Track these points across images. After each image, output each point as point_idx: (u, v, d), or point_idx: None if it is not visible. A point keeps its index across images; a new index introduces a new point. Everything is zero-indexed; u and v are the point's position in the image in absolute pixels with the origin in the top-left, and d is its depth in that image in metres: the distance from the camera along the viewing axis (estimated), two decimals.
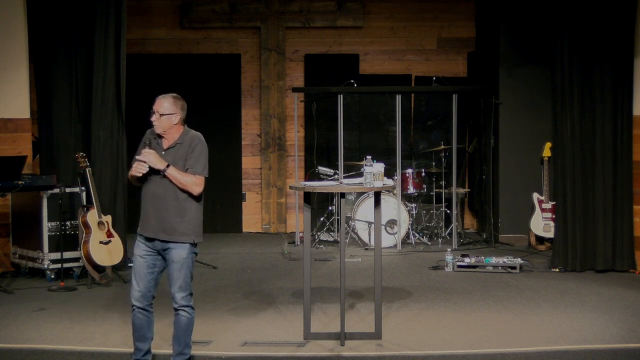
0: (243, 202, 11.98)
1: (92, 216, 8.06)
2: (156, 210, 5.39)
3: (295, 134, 11.23)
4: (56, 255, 8.21)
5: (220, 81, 11.89)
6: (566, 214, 8.73)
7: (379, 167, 6.16)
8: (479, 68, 11.54)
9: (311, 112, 11.28)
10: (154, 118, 5.46)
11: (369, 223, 10.20)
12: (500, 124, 10.75)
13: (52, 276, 8.26)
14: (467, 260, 8.88)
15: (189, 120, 12.37)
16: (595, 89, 8.67)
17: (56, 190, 8.22)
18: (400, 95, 10.54)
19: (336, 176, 10.31)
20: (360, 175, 6.31)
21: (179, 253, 5.38)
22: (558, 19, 8.73)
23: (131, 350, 5.60)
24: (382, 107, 11.79)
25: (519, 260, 8.80)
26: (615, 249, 8.69)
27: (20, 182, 8.02)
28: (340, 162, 10.52)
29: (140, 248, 5.44)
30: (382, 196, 8.54)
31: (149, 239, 5.41)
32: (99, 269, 8.09)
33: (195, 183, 5.40)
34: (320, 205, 11.18)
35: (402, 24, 11.92)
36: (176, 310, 5.42)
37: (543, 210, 10.22)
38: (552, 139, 9.18)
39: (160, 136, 5.47)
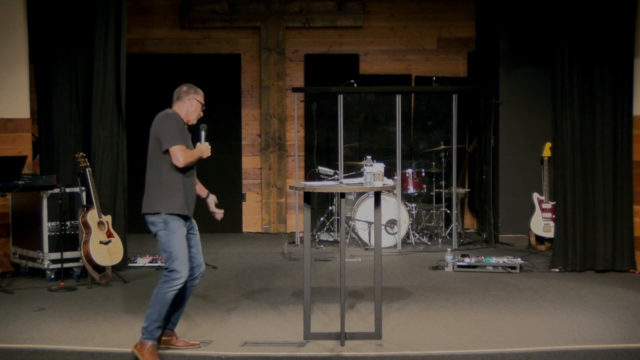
0: (243, 202, 11.99)
1: (92, 216, 8.07)
2: (194, 191, 5.88)
3: (295, 134, 11.23)
4: (56, 255, 8.21)
5: (220, 81, 11.90)
6: (566, 214, 8.73)
7: (379, 167, 6.16)
8: (479, 68, 11.55)
9: (311, 112, 11.28)
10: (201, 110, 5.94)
11: (369, 223, 10.20)
12: (500, 124, 10.76)
13: (52, 276, 8.26)
14: (467, 260, 8.88)
15: None
16: (595, 89, 8.67)
17: (56, 190, 8.22)
18: (400, 95, 10.54)
19: (336, 176, 10.32)
20: (360, 175, 6.30)
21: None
22: (558, 19, 8.73)
23: (130, 349, 5.72)
24: (382, 107, 11.79)
25: (519, 260, 8.80)
26: (615, 249, 8.69)
27: (20, 182, 8.02)
28: (340, 162, 10.52)
29: (184, 227, 5.74)
30: (382, 196, 8.55)
31: (189, 218, 5.80)
32: (99, 269, 8.09)
33: None
34: (320, 205, 11.19)
35: (402, 24, 11.93)
36: (196, 279, 5.88)
37: (543, 210, 10.22)
38: (552, 139, 9.18)
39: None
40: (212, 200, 6.15)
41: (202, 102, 5.92)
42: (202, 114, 5.95)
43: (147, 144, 5.41)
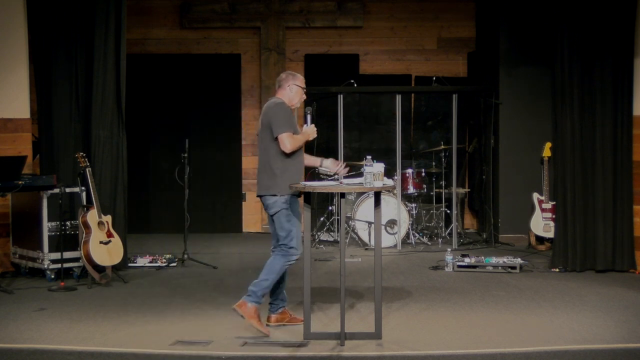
0: (243, 202, 11.98)
1: (92, 216, 8.07)
2: (302, 170, 6.40)
3: None
4: (56, 255, 8.20)
5: (220, 81, 11.90)
6: (566, 214, 8.73)
7: (379, 167, 6.16)
8: (479, 68, 11.55)
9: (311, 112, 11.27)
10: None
11: (369, 223, 10.20)
12: (500, 124, 10.76)
13: (52, 276, 8.26)
14: (467, 260, 8.88)
15: (189, 120, 12.33)
16: (595, 89, 8.66)
17: (56, 190, 8.22)
18: (400, 95, 10.53)
19: (336, 176, 10.30)
20: (360, 175, 6.31)
21: None
22: (558, 19, 8.73)
23: (130, 350, 5.80)
24: (382, 107, 11.79)
25: (519, 260, 8.80)
26: (615, 249, 8.69)
27: (20, 182, 8.02)
28: (340, 162, 10.49)
29: (298, 205, 6.28)
30: (382, 196, 8.54)
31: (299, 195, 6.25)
32: (99, 269, 8.09)
33: None
34: (320, 205, 11.18)
35: (402, 24, 11.93)
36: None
37: (543, 210, 10.22)
38: (552, 139, 9.18)
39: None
40: (328, 163, 6.67)
41: (302, 85, 6.36)
42: (305, 97, 6.43)
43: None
